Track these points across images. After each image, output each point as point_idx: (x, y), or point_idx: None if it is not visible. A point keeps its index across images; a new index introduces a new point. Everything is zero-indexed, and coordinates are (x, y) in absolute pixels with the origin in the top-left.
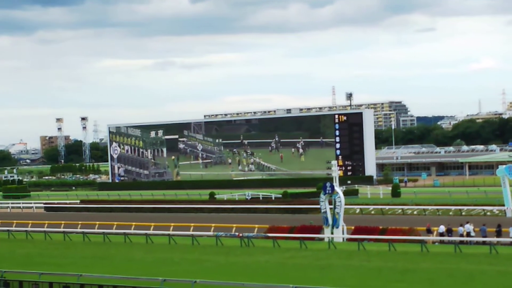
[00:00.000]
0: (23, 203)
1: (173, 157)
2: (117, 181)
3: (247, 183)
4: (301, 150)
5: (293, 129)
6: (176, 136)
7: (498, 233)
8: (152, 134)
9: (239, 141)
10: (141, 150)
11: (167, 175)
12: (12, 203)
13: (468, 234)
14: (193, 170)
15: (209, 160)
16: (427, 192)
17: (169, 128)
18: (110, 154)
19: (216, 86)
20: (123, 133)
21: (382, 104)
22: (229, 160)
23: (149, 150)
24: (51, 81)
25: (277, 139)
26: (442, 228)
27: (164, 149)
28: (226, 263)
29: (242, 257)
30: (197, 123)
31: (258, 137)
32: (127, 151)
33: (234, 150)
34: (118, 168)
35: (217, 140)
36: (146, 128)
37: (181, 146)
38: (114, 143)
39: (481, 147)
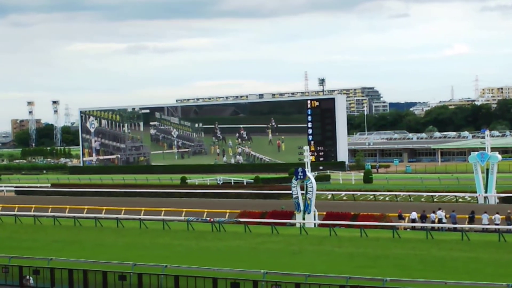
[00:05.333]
0: None
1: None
2: (94, 155)
3: (219, 168)
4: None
5: (295, 112)
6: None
7: (471, 220)
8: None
9: (225, 126)
10: (118, 124)
11: (144, 149)
12: None
13: (440, 221)
14: (166, 161)
15: (187, 149)
16: (399, 178)
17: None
18: (82, 138)
19: (188, 71)
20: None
21: (355, 90)
22: (212, 150)
23: (126, 124)
24: (22, 64)
25: (273, 123)
26: (414, 215)
27: (141, 123)
28: (197, 248)
29: (213, 242)
30: (172, 107)
31: (249, 121)
32: (104, 125)
33: (215, 136)
34: (95, 141)
35: (196, 125)
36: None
37: (152, 132)
38: (91, 117)
39: (453, 133)
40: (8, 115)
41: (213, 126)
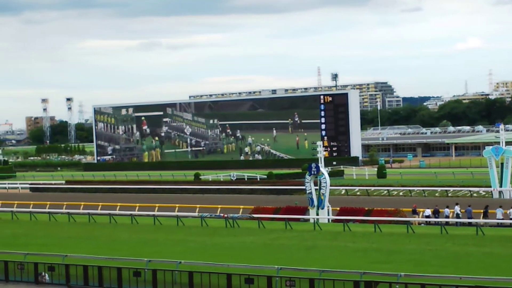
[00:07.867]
0: (8, 183)
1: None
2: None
3: (232, 164)
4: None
5: (308, 108)
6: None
7: (485, 214)
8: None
9: (243, 122)
10: (113, 126)
11: (137, 149)
12: None
13: (457, 216)
14: (179, 159)
15: (201, 148)
16: (413, 173)
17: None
18: (96, 135)
19: (200, 67)
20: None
21: (368, 84)
22: (228, 148)
23: (121, 127)
24: (36, 61)
25: (296, 119)
26: (428, 212)
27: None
28: (211, 244)
29: (227, 238)
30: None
31: (268, 117)
32: (101, 128)
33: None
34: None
35: (211, 121)
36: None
37: (164, 128)
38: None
39: (467, 128)
40: (23, 112)
41: (229, 122)
